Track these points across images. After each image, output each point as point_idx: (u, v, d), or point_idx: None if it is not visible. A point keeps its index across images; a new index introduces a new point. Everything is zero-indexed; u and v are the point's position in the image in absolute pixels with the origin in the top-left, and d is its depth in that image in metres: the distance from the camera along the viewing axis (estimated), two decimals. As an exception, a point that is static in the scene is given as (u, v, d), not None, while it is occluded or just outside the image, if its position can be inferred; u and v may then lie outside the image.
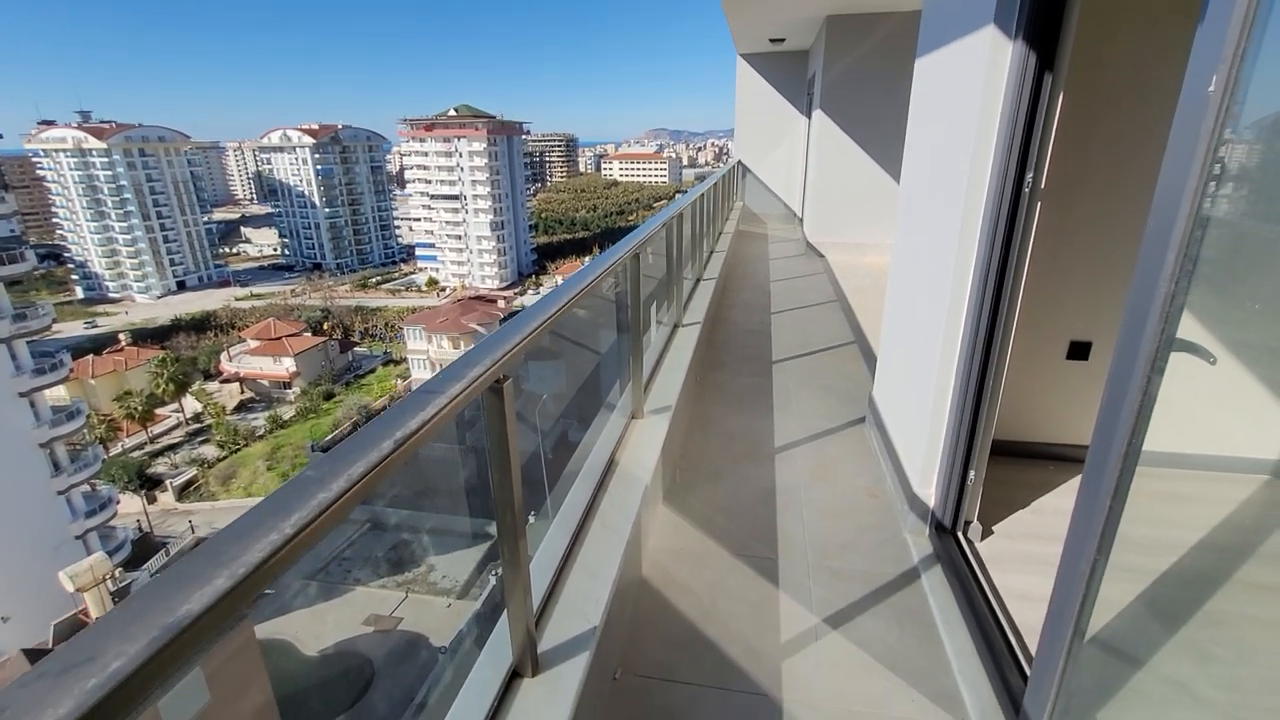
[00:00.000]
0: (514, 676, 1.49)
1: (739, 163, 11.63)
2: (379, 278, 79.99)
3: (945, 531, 2.65)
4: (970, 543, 2.62)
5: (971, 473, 2.56)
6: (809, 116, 10.54)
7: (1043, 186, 2.20)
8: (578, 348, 3.46)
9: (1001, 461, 2.95)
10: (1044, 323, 3.05)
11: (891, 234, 9.06)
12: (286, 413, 42.31)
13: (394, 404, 0.99)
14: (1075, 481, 3.12)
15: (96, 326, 60.90)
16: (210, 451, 38.06)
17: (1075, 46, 2.06)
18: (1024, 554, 2.60)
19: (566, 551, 1.92)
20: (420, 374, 43.39)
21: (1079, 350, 3.13)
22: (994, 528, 2.76)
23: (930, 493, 2.70)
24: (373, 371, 49.84)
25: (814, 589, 2.46)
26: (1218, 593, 1.98)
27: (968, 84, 2.32)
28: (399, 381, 46.12)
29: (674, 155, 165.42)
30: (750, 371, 4.67)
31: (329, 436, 36.63)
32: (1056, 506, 2.93)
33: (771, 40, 10.22)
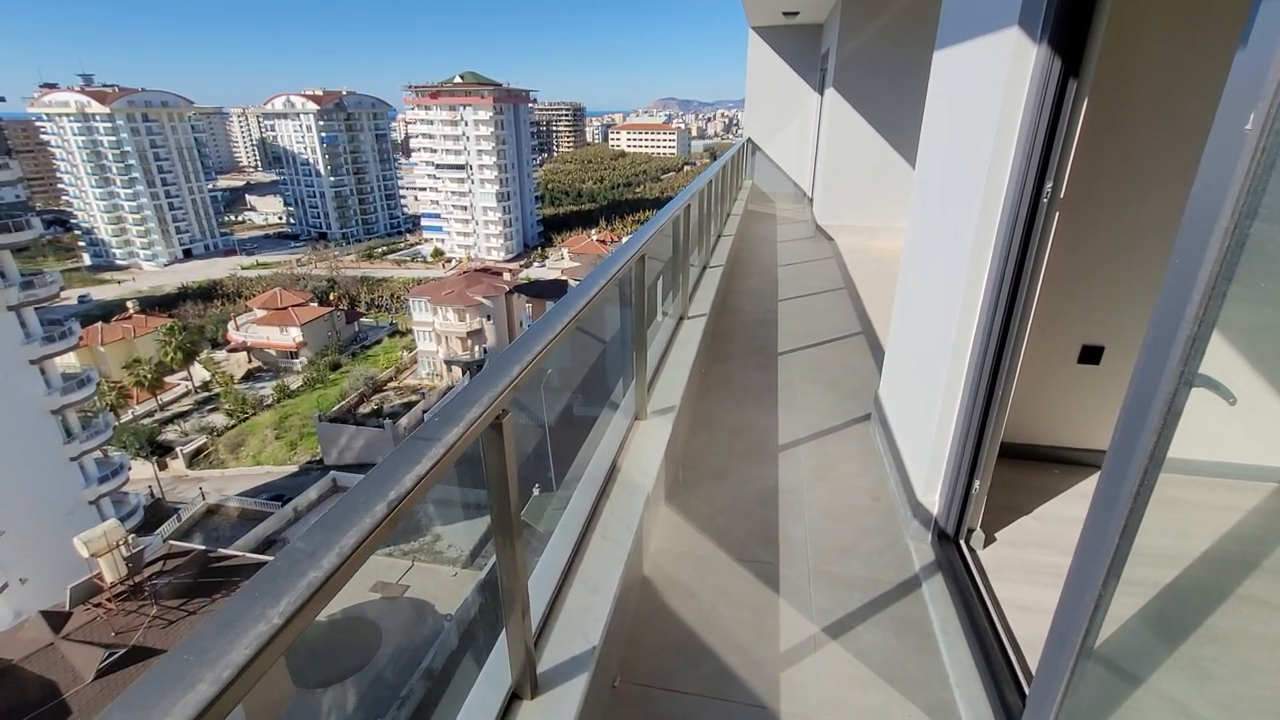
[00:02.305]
0: (513, 699, 1.49)
1: (748, 140, 11.39)
2: (384, 248, 79.69)
3: (947, 540, 2.64)
4: (972, 551, 2.62)
5: (976, 482, 2.54)
6: (821, 94, 10.28)
7: (1061, 196, 2.14)
8: (582, 337, 3.42)
9: (1007, 464, 2.93)
10: (1055, 325, 2.99)
11: (902, 218, 8.87)
12: (294, 382, 42.62)
13: (386, 458, 0.96)
14: (1081, 487, 3.11)
15: (89, 300, 58.52)
16: (219, 420, 38.49)
17: (1101, 53, 1.97)
18: (1026, 563, 2.60)
19: (566, 566, 1.92)
20: (426, 346, 43.48)
21: (1090, 354, 3.08)
22: (997, 535, 2.75)
23: (934, 500, 2.68)
24: (379, 343, 49.99)
25: (814, 596, 2.47)
26: (1220, 608, 1.97)
27: (988, 86, 2.23)
28: (404, 353, 46.28)
29: (683, 126, 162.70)
30: (756, 364, 4.63)
31: (335, 407, 36.93)
32: (1061, 514, 2.91)
33: (785, 13, 9.91)
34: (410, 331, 46.47)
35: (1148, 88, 2.52)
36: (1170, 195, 2.68)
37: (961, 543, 2.64)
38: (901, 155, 8.42)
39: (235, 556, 17.99)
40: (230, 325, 48.57)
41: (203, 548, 18.11)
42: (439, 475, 1.00)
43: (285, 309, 46.35)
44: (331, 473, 30.85)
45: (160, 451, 34.50)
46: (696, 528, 2.86)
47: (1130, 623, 1.84)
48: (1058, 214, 2.17)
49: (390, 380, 42.90)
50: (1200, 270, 1.17)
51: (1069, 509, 2.96)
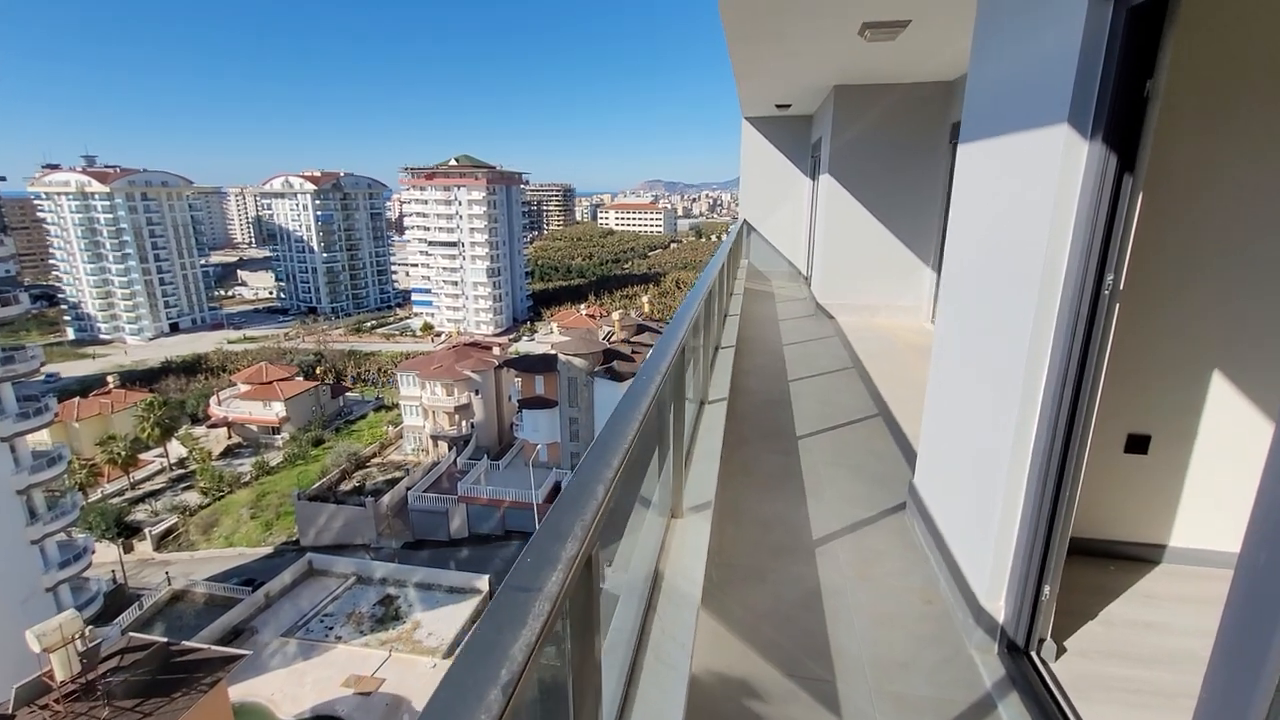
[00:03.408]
0: None
1: (744, 222, 11.72)
2: (374, 322, 80.00)
3: (1018, 651, 2.42)
4: (1045, 664, 2.40)
5: (1046, 587, 2.36)
6: (814, 179, 10.68)
7: (1121, 288, 2.09)
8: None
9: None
10: (1102, 414, 2.89)
11: (901, 296, 8.88)
12: (274, 458, 41.42)
13: (483, 623, 0.79)
14: (1141, 587, 2.92)
15: (56, 378, 53.48)
16: (193, 498, 37.02)
17: (1154, 147, 1.98)
18: (1105, 678, 2.37)
19: (622, 698, 1.69)
20: (412, 420, 42.72)
21: (1137, 443, 2.97)
22: (1065, 643, 2.54)
23: (999, 606, 2.48)
24: (364, 417, 49.18)
25: (881, 721, 2.22)
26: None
27: (1038, 182, 2.23)
28: (390, 428, 45.41)
29: (669, 206, 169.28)
30: (776, 449, 4.48)
31: (315, 484, 35.72)
32: (1127, 617, 2.71)
33: (777, 105, 10.44)
34: (397, 406, 45.80)
35: (1189, 171, 2.55)
36: (1216, 282, 2.67)
37: (1033, 654, 2.42)
38: (896, 236, 8.64)
39: (199, 650, 16.73)
40: (212, 400, 47.67)
41: (164, 639, 16.86)
42: (548, 637, 0.82)
43: (270, 383, 45.71)
44: (308, 554, 29.42)
45: (128, 533, 32.86)
46: (740, 637, 2.61)
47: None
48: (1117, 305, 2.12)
49: (374, 456, 41.85)
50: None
51: (1134, 612, 2.76)
